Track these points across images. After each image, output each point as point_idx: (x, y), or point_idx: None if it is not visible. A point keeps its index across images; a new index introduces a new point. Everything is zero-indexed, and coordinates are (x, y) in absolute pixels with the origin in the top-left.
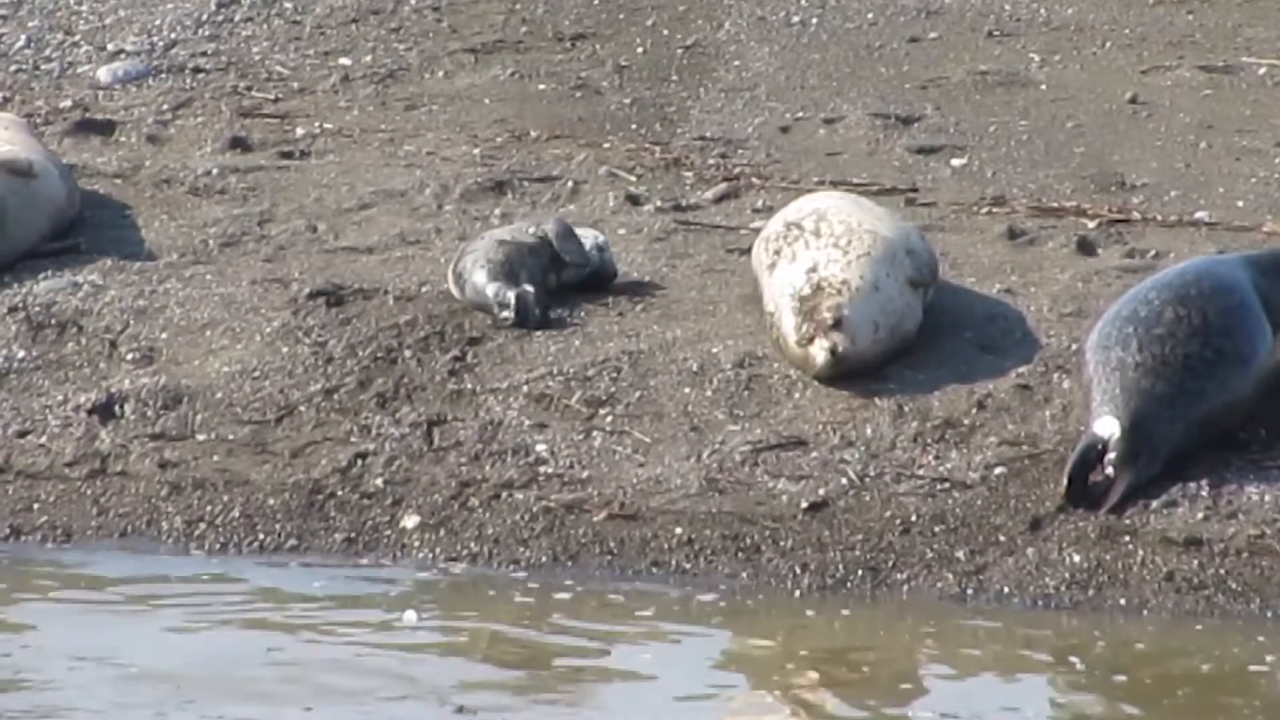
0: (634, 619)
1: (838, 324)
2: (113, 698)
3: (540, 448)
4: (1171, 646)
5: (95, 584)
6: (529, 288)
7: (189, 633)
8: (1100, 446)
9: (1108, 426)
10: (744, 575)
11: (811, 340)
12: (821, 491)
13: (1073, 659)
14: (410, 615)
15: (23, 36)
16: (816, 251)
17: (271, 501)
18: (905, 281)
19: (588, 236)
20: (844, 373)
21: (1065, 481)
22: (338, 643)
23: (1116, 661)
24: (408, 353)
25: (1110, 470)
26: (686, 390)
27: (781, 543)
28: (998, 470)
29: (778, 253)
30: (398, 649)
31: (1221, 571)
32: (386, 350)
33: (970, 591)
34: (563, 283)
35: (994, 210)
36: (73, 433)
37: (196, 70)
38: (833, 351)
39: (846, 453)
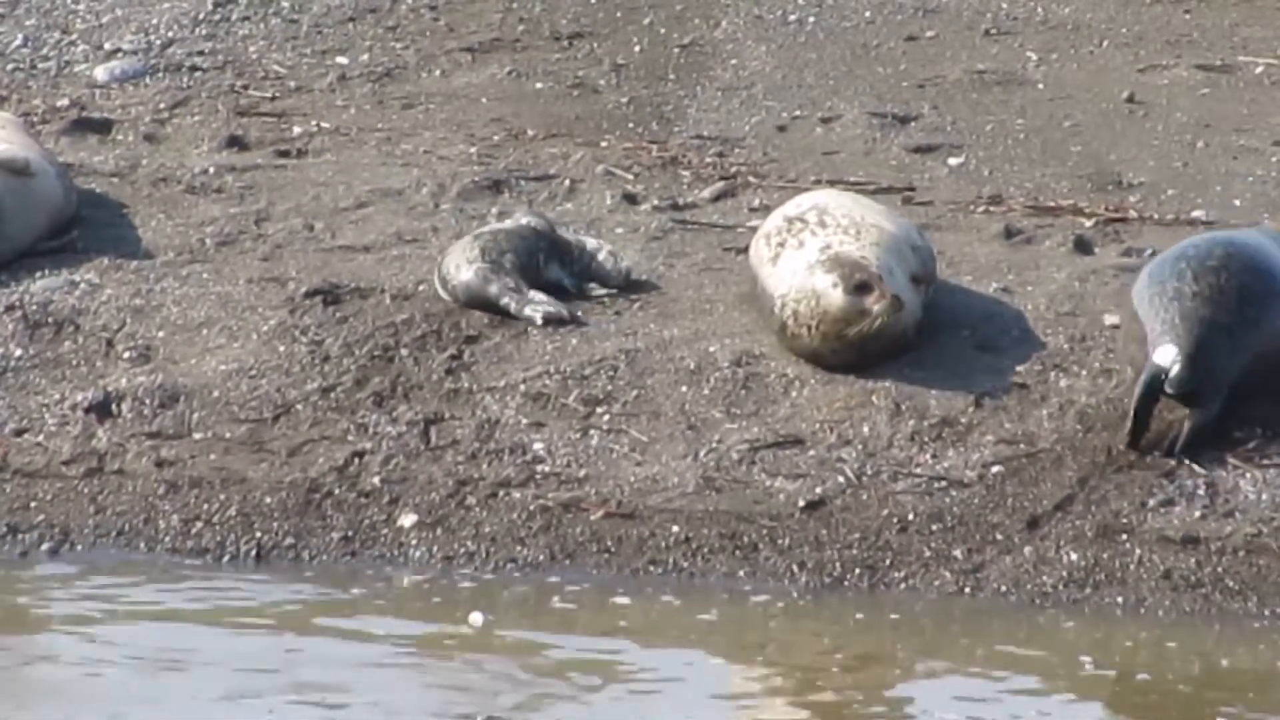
0: (696, 619)
1: (879, 277)
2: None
3: (537, 446)
4: (1192, 644)
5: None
6: (547, 301)
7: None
8: (1162, 376)
9: (1168, 355)
10: (741, 574)
11: (865, 287)
12: (819, 490)
13: (1084, 658)
14: (476, 617)
15: (19, 35)
16: (829, 236)
17: (268, 500)
18: (909, 276)
19: (602, 249)
20: (884, 332)
21: (1131, 418)
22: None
23: (1135, 659)
24: (404, 351)
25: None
26: (683, 389)
27: (779, 541)
28: (995, 469)
29: (781, 245)
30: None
31: (1219, 570)
32: (383, 349)
33: (968, 590)
34: (549, 278)
35: (991, 209)
36: (70, 431)
37: (193, 69)
38: (895, 297)
39: (844, 451)
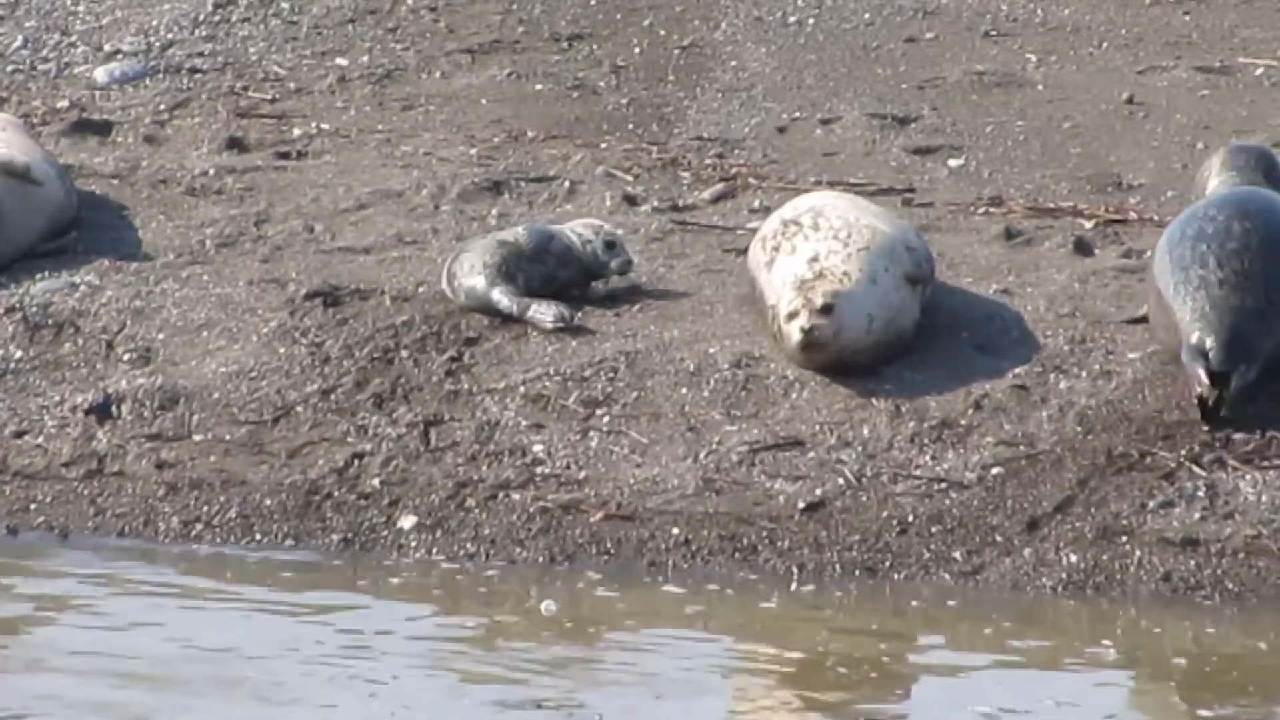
0: (748, 609)
1: (827, 309)
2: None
3: (537, 448)
4: (1212, 636)
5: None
6: (561, 307)
7: None
8: (1205, 354)
9: (1205, 343)
10: (741, 575)
11: (795, 316)
12: (819, 492)
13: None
14: (549, 605)
15: (19, 37)
16: (817, 243)
17: (268, 502)
18: (903, 277)
19: (597, 234)
20: (829, 360)
21: (1212, 399)
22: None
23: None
24: (404, 353)
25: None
26: (683, 390)
27: (779, 543)
28: (994, 471)
29: (776, 249)
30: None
31: (1218, 572)
32: (383, 351)
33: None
34: (561, 287)
35: (991, 210)
36: (70, 433)
37: (193, 70)
38: (807, 332)
39: (843, 453)
